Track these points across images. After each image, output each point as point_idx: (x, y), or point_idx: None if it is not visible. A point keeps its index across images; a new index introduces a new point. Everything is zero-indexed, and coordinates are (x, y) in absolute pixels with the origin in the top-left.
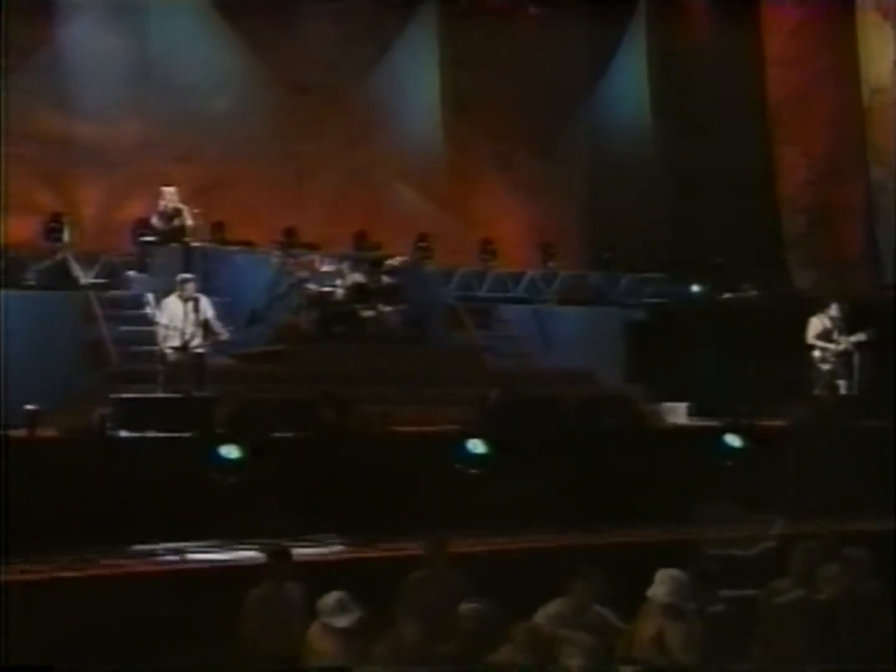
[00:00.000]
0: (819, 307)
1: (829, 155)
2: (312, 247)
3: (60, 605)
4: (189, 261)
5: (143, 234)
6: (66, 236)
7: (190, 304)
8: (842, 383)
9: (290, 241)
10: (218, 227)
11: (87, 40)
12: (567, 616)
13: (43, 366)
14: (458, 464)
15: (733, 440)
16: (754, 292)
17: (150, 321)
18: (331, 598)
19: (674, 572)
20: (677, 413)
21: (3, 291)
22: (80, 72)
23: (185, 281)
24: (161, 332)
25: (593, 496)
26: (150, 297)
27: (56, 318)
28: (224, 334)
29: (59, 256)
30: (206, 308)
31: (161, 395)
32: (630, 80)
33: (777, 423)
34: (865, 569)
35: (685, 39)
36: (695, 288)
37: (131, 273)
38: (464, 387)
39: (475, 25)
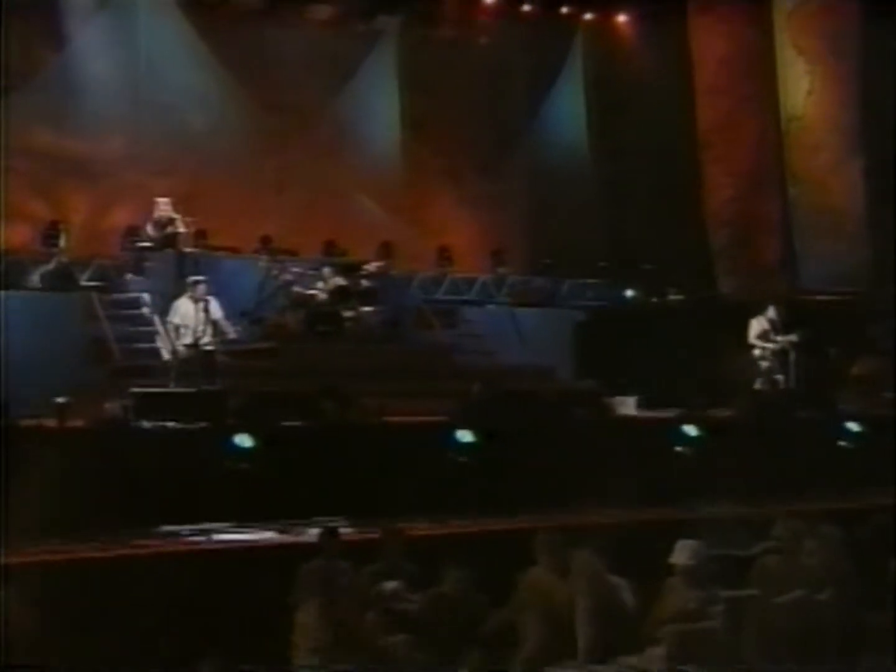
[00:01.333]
0: (743, 309)
1: (751, 174)
2: (291, 253)
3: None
4: (182, 265)
5: (133, 241)
6: (62, 242)
7: (200, 305)
8: (779, 378)
9: (266, 247)
10: (200, 235)
11: (78, 65)
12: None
13: (49, 361)
14: (448, 451)
15: (690, 429)
16: (679, 296)
17: (147, 321)
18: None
19: (691, 542)
20: (628, 405)
21: (2, 293)
22: (70, 93)
23: (196, 283)
24: (173, 330)
25: (570, 480)
26: (147, 297)
27: (61, 318)
28: (231, 333)
29: (55, 260)
30: (216, 309)
31: (178, 389)
32: (568, 104)
33: (725, 413)
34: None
35: (619, 68)
36: (629, 292)
37: (129, 276)
38: (439, 381)
39: (430, 55)
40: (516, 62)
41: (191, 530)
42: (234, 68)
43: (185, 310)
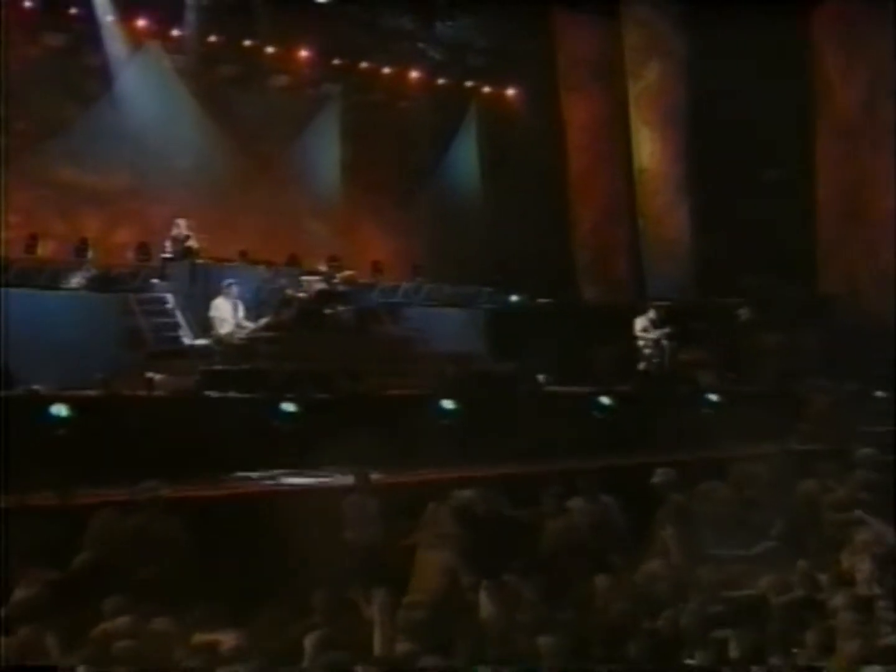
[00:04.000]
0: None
1: (607, 210)
2: (272, 263)
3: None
4: (194, 273)
5: (144, 253)
6: (90, 254)
7: (234, 302)
8: (657, 362)
9: (245, 259)
10: (196, 251)
11: (93, 118)
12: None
13: (95, 347)
14: (435, 417)
15: (606, 400)
16: (545, 301)
17: (171, 315)
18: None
19: (665, 469)
20: None
21: (3, 291)
22: (89, 139)
23: (229, 285)
24: (215, 322)
25: (522, 439)
26: (170, 297)
27: (101, 313)
28: (248, 329)
29: (85, 268)
30: (240, 308)
31: (234, 367)
32: (466, 155)
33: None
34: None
35: (507, 129)
36: (514, 298)
37: (155, 281)
38: (405, 362)
39: (364, 114)
40: (427, 121)
41: (259, 476)
42: (215, 121)
43: (223, 307)
